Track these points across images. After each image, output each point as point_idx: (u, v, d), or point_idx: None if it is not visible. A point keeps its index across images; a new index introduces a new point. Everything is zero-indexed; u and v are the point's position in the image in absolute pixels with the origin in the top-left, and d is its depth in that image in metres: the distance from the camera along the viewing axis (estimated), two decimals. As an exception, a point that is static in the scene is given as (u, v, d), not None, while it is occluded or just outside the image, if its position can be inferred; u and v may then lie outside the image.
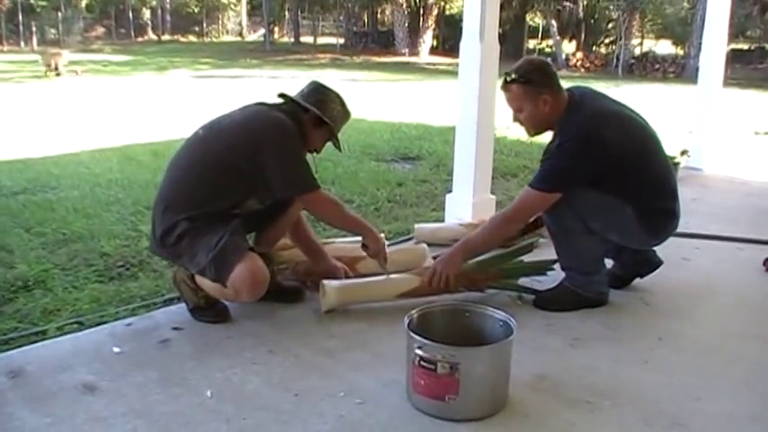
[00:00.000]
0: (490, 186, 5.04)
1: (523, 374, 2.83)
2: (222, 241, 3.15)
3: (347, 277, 3.61)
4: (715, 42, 7.18)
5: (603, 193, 3.32)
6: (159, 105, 13.32)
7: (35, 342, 3.19)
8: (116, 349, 3.08)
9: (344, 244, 4.04)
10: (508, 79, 3.40)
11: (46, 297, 3.73)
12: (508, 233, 3.65)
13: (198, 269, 3.22)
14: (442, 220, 5.10)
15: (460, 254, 3.51)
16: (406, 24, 35.21)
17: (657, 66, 28.86)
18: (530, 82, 3.36)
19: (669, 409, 2.65)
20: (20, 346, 3.13)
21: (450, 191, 5.08)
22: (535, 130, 3.51)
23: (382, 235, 3.69)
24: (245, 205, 3.40)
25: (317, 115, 3.38)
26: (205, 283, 3.27)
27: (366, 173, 7.01)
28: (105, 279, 4.04)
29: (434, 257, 3.83)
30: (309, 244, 3.75)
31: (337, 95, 3.50)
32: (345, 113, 3.53)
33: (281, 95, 3.52)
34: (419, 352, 2.49)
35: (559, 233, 3.50)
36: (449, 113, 10.16)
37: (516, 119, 3.49)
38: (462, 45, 4.67)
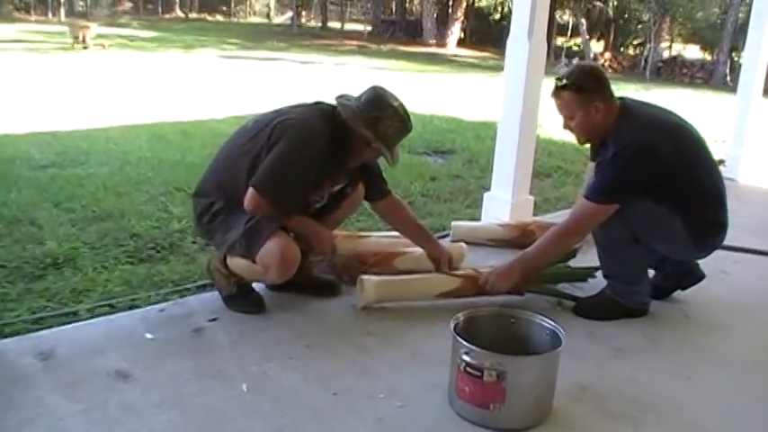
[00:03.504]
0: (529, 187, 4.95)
1: (566, 384, 2.74)
2: (256, 218, 3.10)
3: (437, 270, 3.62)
4: (757, 50, 7.04)
5: (655, 202, 3.23)
6: (186, 84, 13.27)
7: (65, 323, 3.14)
8: (149, 335, 3.03)
9: (381, 238, 3.97)
10: (560, 85, 3.31)
11: (75, 276, 3.68)
12: (567, 248, 3.57)
13: (228, 244, 3.16)
14: (478, 218, 5.01)
15: (518, 271, 3.42)
16: (435, 15, 34.99)
17: (685, 70, 28.55)
18: (582, 89, 3.27)
19: (713, 429, 2.59)
20: (50, 327, 3.09)
21: (487, 188, 4.99)
22: (586, 137, 3.43)
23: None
24: None
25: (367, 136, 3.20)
26: (235, 262, 3.22)
27: (399, 164, 6.84)
28: (135, 260, 3.99)
29: None
30: (419, 232, 3.71)
31: (395, 110, 3.25)
32: (403, 129, 3.31)
33: (339, 99, 3.31)
34: (466, 358, 2.42)
35: (605, 241, 3.41)
36: (480, 108, 10.07)
37: (567, 126, 3.41)
38: (510, 42, 4.57)
